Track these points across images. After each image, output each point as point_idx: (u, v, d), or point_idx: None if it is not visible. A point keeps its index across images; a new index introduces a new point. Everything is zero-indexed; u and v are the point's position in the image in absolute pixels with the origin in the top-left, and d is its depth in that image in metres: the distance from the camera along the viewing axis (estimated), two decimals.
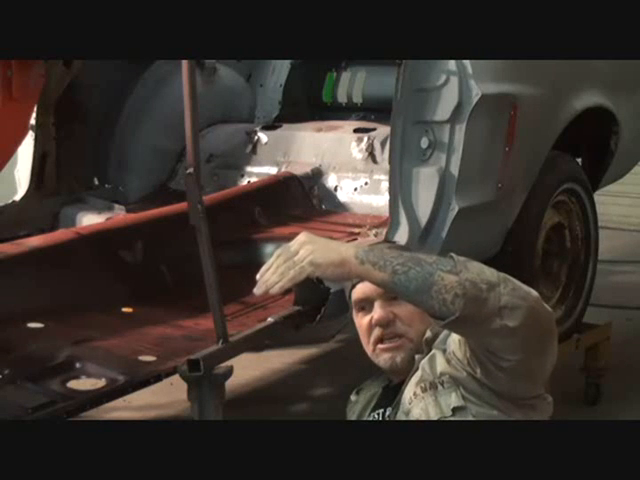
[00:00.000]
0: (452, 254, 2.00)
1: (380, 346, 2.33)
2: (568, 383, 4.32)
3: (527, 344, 2.02)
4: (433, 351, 2.24)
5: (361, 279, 2.12)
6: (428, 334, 2.29)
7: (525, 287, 2.01)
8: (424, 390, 2.20)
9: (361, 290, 2.35)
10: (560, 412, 2.25)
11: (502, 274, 2.00)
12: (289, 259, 2.00)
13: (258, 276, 2.03)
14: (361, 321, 2.37)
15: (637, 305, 5.65)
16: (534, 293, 2.02)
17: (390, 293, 2.11)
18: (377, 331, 2.33)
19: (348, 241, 3.54)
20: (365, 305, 2.35)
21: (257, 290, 2.04)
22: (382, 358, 2.33)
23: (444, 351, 2.20)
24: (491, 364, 2.06)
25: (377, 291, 2.32)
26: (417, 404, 2.20)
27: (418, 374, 2.24)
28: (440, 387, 2.18)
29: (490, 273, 1.99)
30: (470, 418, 2.13)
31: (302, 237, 2.03)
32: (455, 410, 2.15)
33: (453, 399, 2.15)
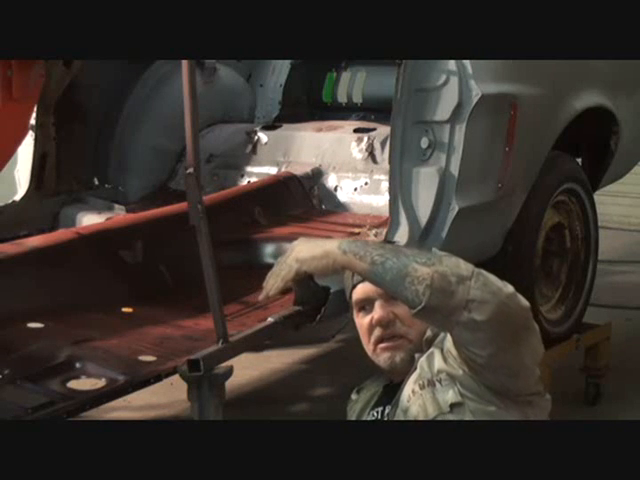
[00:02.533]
0: (434, 248, 2.09)
1: (380, 346, 2.34)
2: (568, 383, 4.32)
3: (497, 339, 2.03)
4: (432, 349, 2.25)
5: (345, 269, 2.20)
6: (428, 333, 2.30)
7: (499, 282, 2.04)
8: (422, 387, 2.21)
9: (362, 290, 2.36)
10: (560, 412, 2.25)
11: (477, 269, 2.03)
12: (282, 262, 2.17)
13: (264, 284, 2.22)
14: (361, 321, 2.37)
15: (637, 305, 5.65)
16: (508, 289, 2.04)
17: (370, 283, 2.17)
18: (377, 331, 2.33)
19: None
20: (365, 305, 2.36)
21: (260, 297, 2.26)
22: (382, 358, 2.34)
23: (442, 349, 2.21)
24: (468, 359, 2.08)
25: (378, 291, 2.32)
26: (415, 401, 2.21)
27: (417, 372, 2.25)
28: (438, 384, 2.19)
29: (464, 267, 2.02)
30: (468, 414, 2.14)
31: (295, 242, 2.18)
32: (453, 406, 2.15)
33: (450, 396, 2.16)
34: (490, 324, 2.00)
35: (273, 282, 2.20)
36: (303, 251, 2.14)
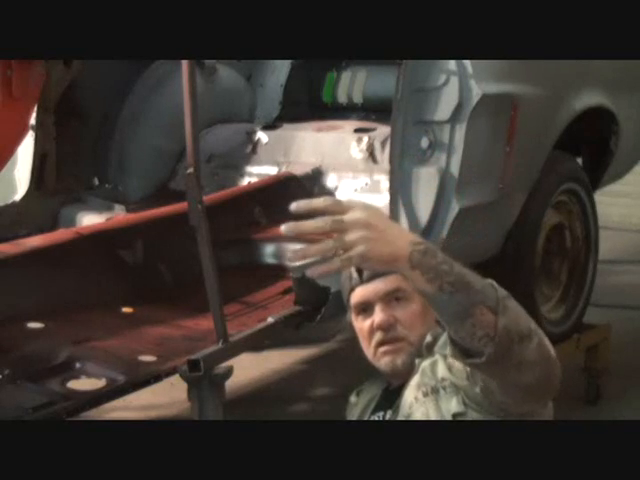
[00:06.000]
0: (493, 282, 1.88)
1: (381, 349, 2.31)
2: (568, 383, 4.32)
3: (528, 395, 2.00)
4: (435, 356, 2.22)
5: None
6: (428, 338, 2.28)
7: (547, 341, 1.94)
8: (425, 395, 2.18)
9: (360, 293, 2.33)
10: (560, 412, 2.25)
11: (533, 324, 1.92)
12: (339, 238, 1.74)
13: (291, 229, 1.77)
14: (361, 325, 2.34)
15: (637, 305, 5.64)
16: (552, 349, 1.96)
17: (427, 303, 1.94)
18: (378, 335, 2.30)
19: None
20: (365, 308, 2.34)
21: (292, 257, 1.79)
22: (383, 361, 2.31)
23: (445, 356, 2.18)
24: (487, 391, 2.05)
25: (377, 294, 2.31)
26: (418, 408, 2.19)
27: (418, 378, 2.22)
28: (442, 391, 2.16)
29: (524, 320, 1.90)
30: None
31: (360, 213, 1.76)
32: (455, 416, 2.12)
33: (454, 405, 2.13)
34: (531, 385, 1.95)
35: (316, 259, 1.77)
36: (372, 244, 1.76)
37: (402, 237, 1.83)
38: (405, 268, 1.81)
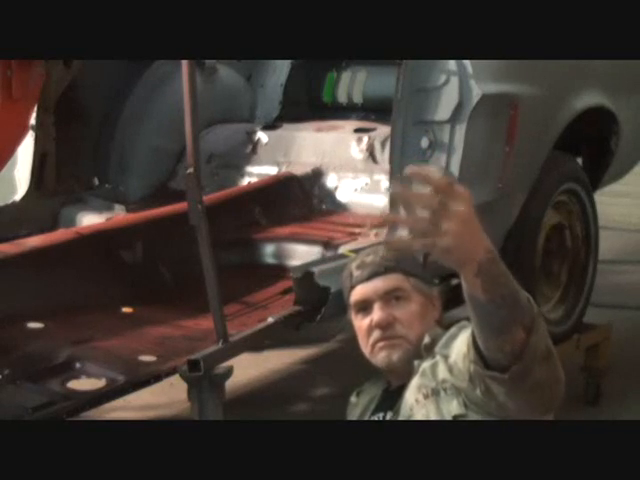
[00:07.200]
0: (529, 297, 1.85)
1: (378, 345, 2.31)
2: (568, 383, 4.31)
3: (533, 408, 2.00)
4: (436, 358, 2.22)
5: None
6: (427, 339, 2.28)
7: (558, 363, 1.94)
8: (426, 396, 2.18)
9: (360, 292, 2.34)
10: (560, 412, 2.25)
11: (551, 344, 1.91)
12: (436, 221, 1.66)
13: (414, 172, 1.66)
14: (360, 323, 2.35)
15: (637, 305, 5.64)
16: (562, 373, 1.97)
17: (469, 307, 1.85)
18: (376, 333, 2.31)
19: (347, 241, 3.54)
20: (364, 307, 2.34)
21: (388, 235, 1.66)
22: (380, 356, 2.32)
23: (446, 358, 2.18)
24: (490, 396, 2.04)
25: (377, 293, 2.31)
26: (419, 410, 2.18)
27: (419, 379, 2.22)
28: (442, 392, 2.16)
29: (547, 339, 1.89)
30: None
31: (465, 206, 1.70)
32: (456, 418, 2.12)
33: (454, 406, 2.13)
34: (536, 405, 1.97)
35: (407, 240, 1.69)
36: (457, 243, 1.68)
37: (480, 241, 1.75)
38: (469, 273, 1.75)
